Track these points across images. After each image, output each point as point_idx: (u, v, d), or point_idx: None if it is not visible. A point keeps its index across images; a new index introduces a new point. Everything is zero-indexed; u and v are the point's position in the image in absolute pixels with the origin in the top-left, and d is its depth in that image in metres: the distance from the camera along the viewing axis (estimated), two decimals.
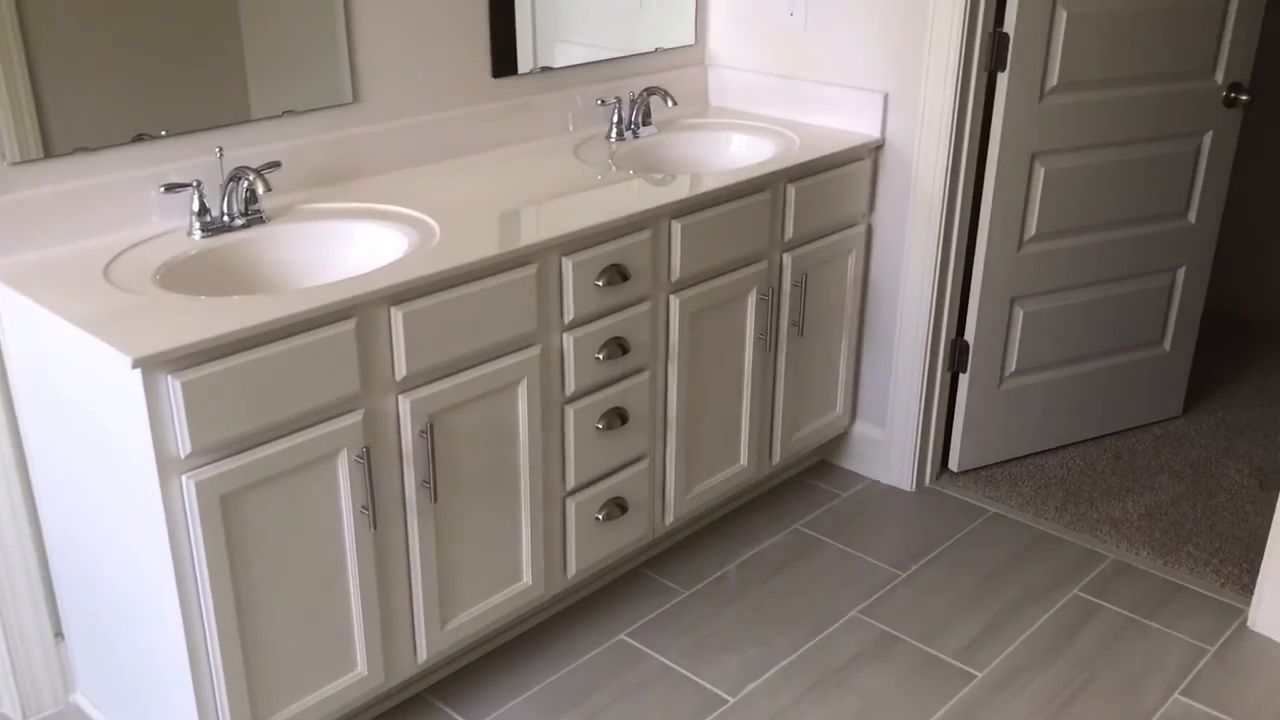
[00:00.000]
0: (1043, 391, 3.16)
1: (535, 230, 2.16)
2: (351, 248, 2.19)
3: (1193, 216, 3.17)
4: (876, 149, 2.85)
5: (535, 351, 2.20)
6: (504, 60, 2.69)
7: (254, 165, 2.21)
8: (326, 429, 1.89)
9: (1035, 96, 2.80)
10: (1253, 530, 2.88)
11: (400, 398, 2.00)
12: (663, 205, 2.34)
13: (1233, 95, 3.04)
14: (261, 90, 2.26)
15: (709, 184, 2.46)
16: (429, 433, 2.04)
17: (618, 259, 2.29)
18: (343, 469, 1.94)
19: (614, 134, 2.82)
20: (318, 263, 2.18)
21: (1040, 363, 3.12)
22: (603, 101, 2.86)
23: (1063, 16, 2.74)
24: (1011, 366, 3.08)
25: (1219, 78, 3.01)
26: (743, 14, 3.04)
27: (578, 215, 2.23)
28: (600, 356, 2.32)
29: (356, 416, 1.93)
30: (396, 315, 1.95)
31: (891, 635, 2.51)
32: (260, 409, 1.79)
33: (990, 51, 2.73)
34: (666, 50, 3.06)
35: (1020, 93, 2.77)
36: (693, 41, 3.12)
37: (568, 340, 2.26)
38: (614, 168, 2.60)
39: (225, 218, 2.14)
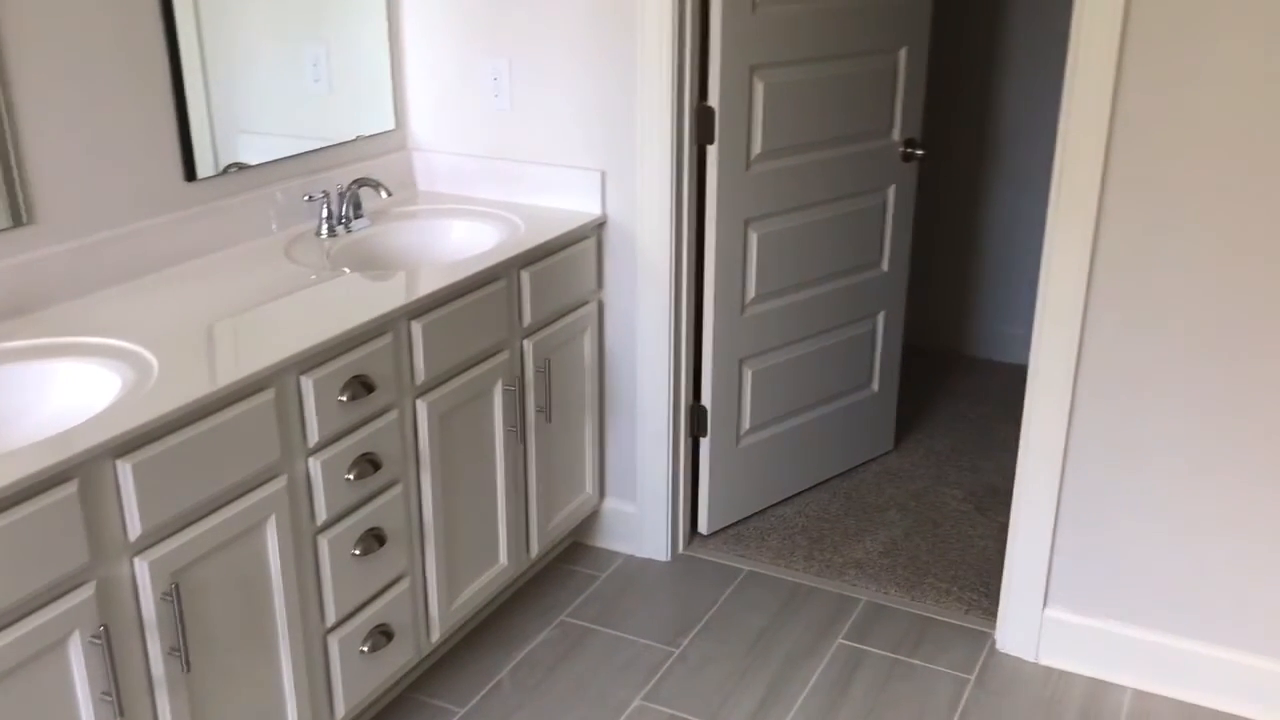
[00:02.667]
0: (775, 444, 3.25)
1: (267, 349, 1.96)
2: (51, 393, 1.91)
3: (885, 264, 3.38)
4: (599, 226, 2.84)
5: (281, 483, 1.99)
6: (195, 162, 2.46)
7: None
8: (53, 612, 1.62)
9: (743, 165, 2.88)
10: (980, 554, 3.08)
11: (136, 560, 1.75)
12: (400, 307, 2.20)
13: (909, 150, 3.27)
14: None
15: (445, 279, 2.34)
16: (174, 594, 1.79)
17: (359, 369, 2.13)
18: (76, 654, 1.67)
19: (325, 230, 2.64)
20: (9, 416, 1.87)
21: (771, 417, 3.21)
22: (310, 197, 2.67)
23: (760, 88, 2.84)
24: (746, 425, 3.15)
25: (895, 135, 3.24)
26: (443, 96, 2.95)
27: (310, 326, 2.06)
28: (350, 477, 2.15)
29: (88, 591, 1.67)
30: (124, 469, 1.70)
31: (679, 718, 2.47)
32: None
33: (698, 125, 2.79)
34: (368, 137, 2.92)
35: (729, 163, 2.85)
36: (393, 126, 2.99)
37: (314, 465, 2.07)
38: (331, 266, 2.43)
39: None
